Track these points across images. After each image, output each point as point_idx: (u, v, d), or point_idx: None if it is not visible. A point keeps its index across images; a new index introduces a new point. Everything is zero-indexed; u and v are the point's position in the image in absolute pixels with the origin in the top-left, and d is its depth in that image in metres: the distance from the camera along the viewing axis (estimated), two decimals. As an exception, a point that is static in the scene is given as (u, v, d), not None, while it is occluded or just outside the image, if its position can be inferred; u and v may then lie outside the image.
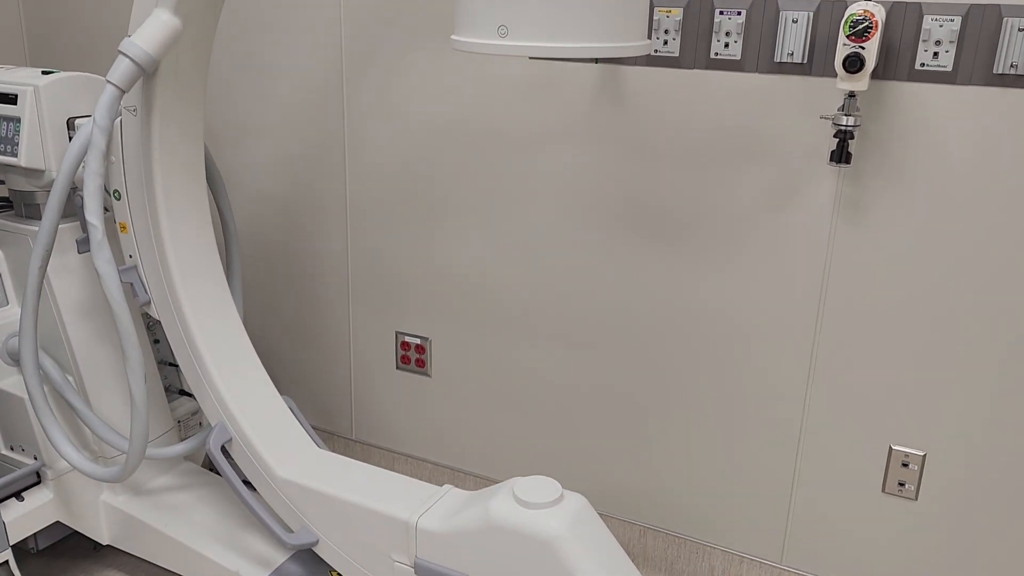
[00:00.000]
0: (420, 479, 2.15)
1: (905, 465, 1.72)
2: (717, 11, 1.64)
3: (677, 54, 1.70)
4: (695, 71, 1.70)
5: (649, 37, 1.67)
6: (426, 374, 2.23)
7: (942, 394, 1.66)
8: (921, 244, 1.61)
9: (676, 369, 1.90)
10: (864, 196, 1.62)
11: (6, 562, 1.71)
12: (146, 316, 2.00)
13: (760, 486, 1.88)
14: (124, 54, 1.45)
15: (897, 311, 1.66)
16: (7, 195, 1.93)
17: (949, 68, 1.50)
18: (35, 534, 1.92)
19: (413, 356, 2.22)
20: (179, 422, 2.08)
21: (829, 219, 1.66)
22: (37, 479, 1.84)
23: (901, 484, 1.73)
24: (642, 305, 1.89)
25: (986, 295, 1.58)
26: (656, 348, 1.91)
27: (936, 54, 1.50)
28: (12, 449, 1.86)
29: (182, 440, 2.03)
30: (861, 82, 1.46)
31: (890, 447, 1.73)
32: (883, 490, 1.76)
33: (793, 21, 1.58)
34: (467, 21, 1.17)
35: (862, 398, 1.73)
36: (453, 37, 1.22)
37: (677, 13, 1.67)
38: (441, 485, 2.10)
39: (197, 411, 2.14)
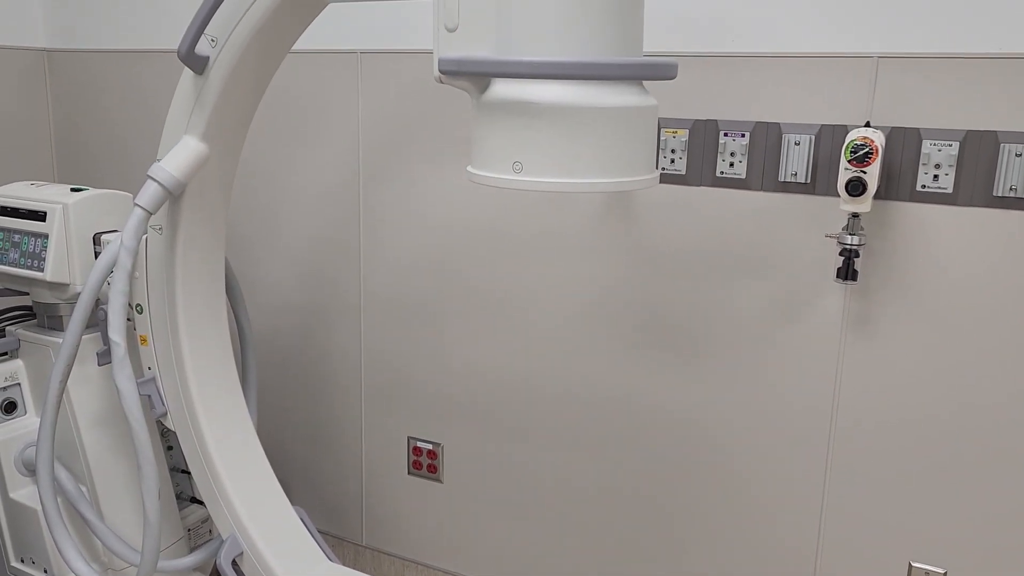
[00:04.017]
0: (431, 590, 2.11)
1: (925, 583, 1.69)
2: (722, 133, 1.70)
3: (684, 172, 1.76)
4: (701, 188, 1.75)
5: (656, 157, 1.73)
6: (438, 480, 2.22)
7: (961, 509, 1.64)
8: (929, 359, 1.62)
9: (689, 480, 1.89)
10: (872, 311, 1.65)
11: None
12: (161, 425, 2.02)
13: (777, 601, 1.85)
14: (153, 178, 1.51)
15: (911, 425, 1.66)
16: (29, 304, 1.97)
17: (949, 190, 1.54)
18: (40, 648, 1.90)
19: (425, 462, 2.22)
20: (189, 530, 2.06)
21: (838, 333, 1.68)
22: (46, 592, 1.83)
23: (921, 602, 1.70)
24: (655, 415, 1.90)
25: (997, 408, 1.58)
26: (670, 459, 1.90)
27: (936, 176, 1.54)
28: (23, 561, 1.85)
29: (192, 549, 2.02)
30: (864, 204, 1.50)
31: (910, 564, 1.70)
32: (903, 608, 1.72)
33: (796, 143, 1.63)
34: (483, 156, 1.22)
35: (879, 513, 1.71)
36: (469, 169, 1.26)
37: (683, 134, 1.73)
38: (452, 597, 2.07)
39: (207, 519, 2.13)
